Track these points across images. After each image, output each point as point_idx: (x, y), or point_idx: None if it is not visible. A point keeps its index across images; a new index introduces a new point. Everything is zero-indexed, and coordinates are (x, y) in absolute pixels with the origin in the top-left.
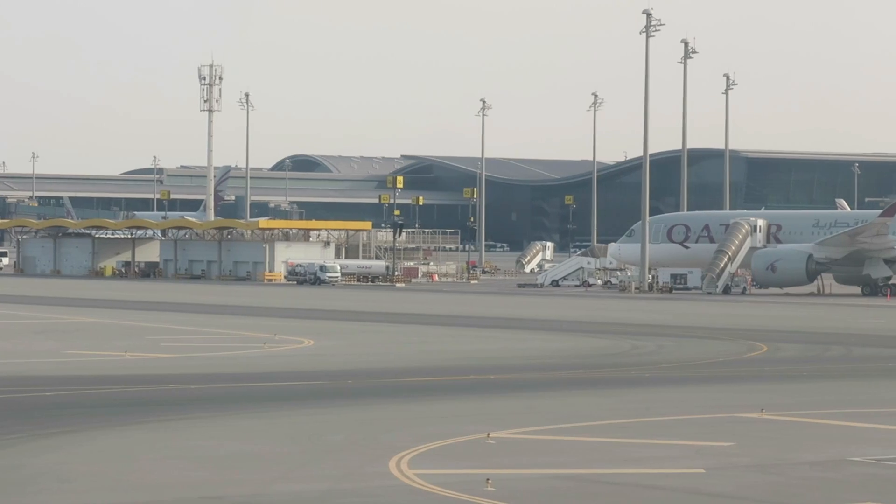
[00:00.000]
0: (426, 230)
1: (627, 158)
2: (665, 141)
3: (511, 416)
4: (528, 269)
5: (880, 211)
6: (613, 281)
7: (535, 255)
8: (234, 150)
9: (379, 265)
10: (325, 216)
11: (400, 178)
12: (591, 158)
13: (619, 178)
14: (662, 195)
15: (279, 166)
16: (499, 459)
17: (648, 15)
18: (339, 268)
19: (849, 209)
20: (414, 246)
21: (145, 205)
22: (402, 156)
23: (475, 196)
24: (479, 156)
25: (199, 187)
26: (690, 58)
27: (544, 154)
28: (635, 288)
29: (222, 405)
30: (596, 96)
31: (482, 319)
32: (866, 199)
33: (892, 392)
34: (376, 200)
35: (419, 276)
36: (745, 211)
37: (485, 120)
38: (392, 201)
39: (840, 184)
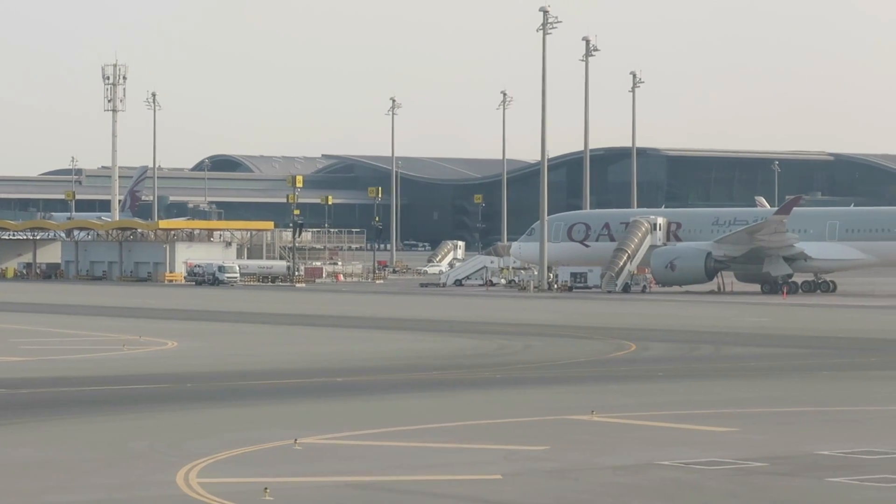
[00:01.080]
0: (332, 230)
1: (549, 157)
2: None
3: (332, 419)
4: (429, 270)
5: (777, 209)
6: (517, 280)
7: (446, 255)
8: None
9: (280, 265)
10: (245, 216)
11: (300, 178)
12: (513, 157)
13: (538, 177)
14: (582, 193)
15: (200, 166)
16: (294, 466)
17: (545, 12)
18: (237, 268)
19: (768, 207)
20: (320, 246)
21: (64, 206)
22: (322, 155)
23: (380, 195)
24: (398, 155)
25: (120, 188)
26: (592, 55)
27: (468, 153)
28: (534, 287)
29: (42, 410)
30: (505, 95)
31: (364, 320)
32: (786, 197)
33: (737, 392)
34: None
35: (323, 276)
36: (645, 209)
37: (395, 119)
38: (294, 201)
39: (761, 182)
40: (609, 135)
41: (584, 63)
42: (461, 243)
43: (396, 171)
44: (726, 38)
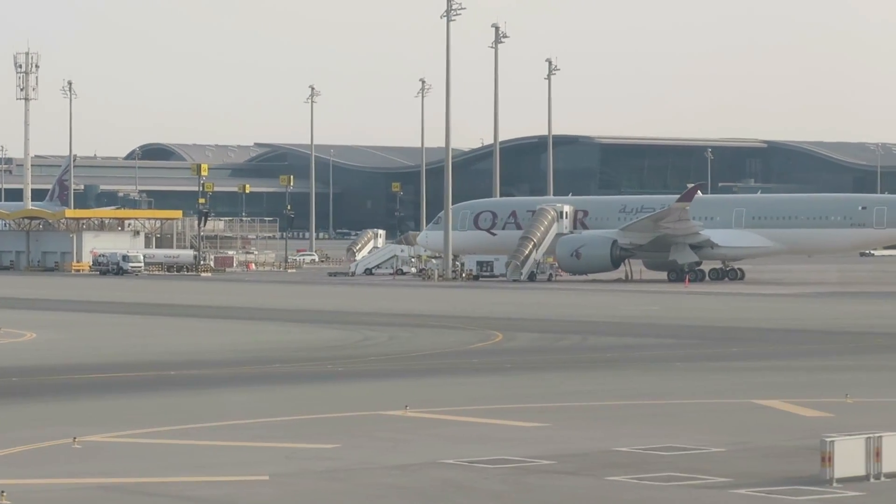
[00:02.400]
0: (245, 218)
1: (483, 144)
2: (521, 127)
3: (130, 416)
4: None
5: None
6: (426, 269)
7: (366, 243)
8: (88, 138)
9: (187, 255)
10: (177, 205)
11: (205, 166)
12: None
13: (474, 164)
14: (517, 181)
15: (133, 155)
16: (58, 467)
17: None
18: (142, 257)
19: (701, 194)
20: (232, 235)
21: None
22: (255, 143)
23: (292, 183)
24: (333, 144)
25: (52, 177)
26: (501, 42)
27: (404, 141)
28: (438, 276)
29: None
30: (423, 83)
31: (244, 310)
32: (720, 184)
33: (572, 385)
34: (229, 189)
35: (234, 265)
36: (551, 197)
37: (313, 107)
38: (199, 188)
39: (694, 169)
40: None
41: (506, 52)
42: (382, 232)
43: (317, 157)
44: (661, 26)
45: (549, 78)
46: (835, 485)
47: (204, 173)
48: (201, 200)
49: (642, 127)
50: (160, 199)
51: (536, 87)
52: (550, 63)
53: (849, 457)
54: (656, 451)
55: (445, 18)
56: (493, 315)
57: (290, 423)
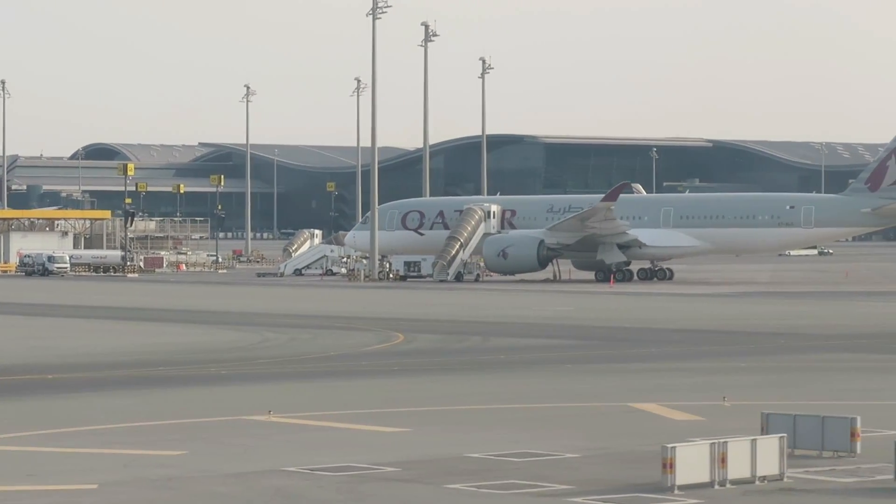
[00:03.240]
0: (176, 219)
1: (431, 144)
2: (468, 126)
3: None
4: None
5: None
6: (354, 269)
7: (302, 244)
8: (35, 138)
9: (115, 255)
10: (120, 205)
11: (131, 166)
12: (391, 145)
13: (419, 164)
14: (462, 181)
15: (76, 155)
16: None
17: None
18: (67, 258)
19: (645, 193)
20: (163, 235)
21: None
22: (200, 143)
23: (222, 183)
24: (278, 143)
25: None
26: (431, 41)
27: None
28: (365, 276)
29: None
30: (359, 81)
31: (153, 312)
32: (665, 184)
33: (452, 387)
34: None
35: (164, 266)
36: (479, 197)
37: (249, 106)
38: (144, 189)
39: (639, 168)
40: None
41: (452, 50)
42: (318, 232)
43: (261, 157)
44: (606, 26)
45: (482, 77)
46: (676, 492)
47: (130, 173)
48: (128, 200)
49: (589, 127)
50: (104, 200)
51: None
52: (484, 62)
53: (692, 463)
54: (509, 457)
55: (372, 17)
56: (402, 316)
57: (148, 428)
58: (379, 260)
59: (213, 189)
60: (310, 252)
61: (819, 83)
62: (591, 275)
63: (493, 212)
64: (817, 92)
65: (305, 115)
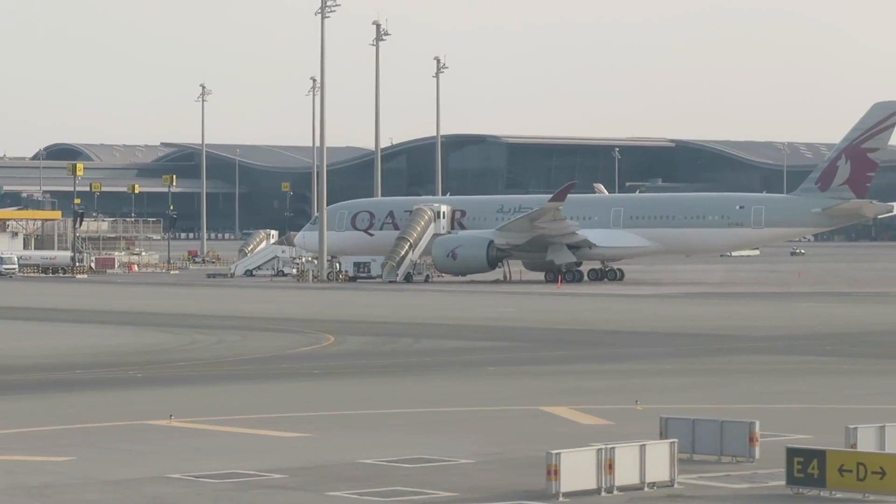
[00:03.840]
0: (128, 219)
1: (392, 143)
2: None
3: None
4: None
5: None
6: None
7: (258, 244)
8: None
9: (64, 256)
10: (81, 205)
11: (80, 166)
12: (354, 144)
13: (381, 164)
14: (423, 181)
15: (38, 156)
16: None
17: None
18: (15, 259)
19: (606, 193)
20: (114, 235)
21: None
22: (162, 143)
23: (174, 183)
24: (240, 143)
25: None
26: (383, 40)
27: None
28: (314, 277)
29: None
30: (314, 81)
31: (92, 313)
32: (627, 184)
33: (373, 390)
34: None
35: (115, 266)
36: (429, 197)
37: (207, 106)
38: (98, 189)
39: (601, 168)
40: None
41: (414, 50)
42: (274, 232)
43: (223, 157)
44: (569, 27)
45: (437, 76)
46: (561, 499)
47: (80, 173)
48: (77, 201)
49: (552, 127)
50: (66, 200)
51: (443, 86)
52: (439, 61)
53: (578, 470)
54: (402, 462)
55: (321, 15)
56: (339, 318)
57: (42, 433)
58: (329, 261)
59: (175, 189)
60: (261, 253)
61: (782, 83)
62: (541, 275)
63: (443, 212)
64: (780, 92)
65: (268, 114)
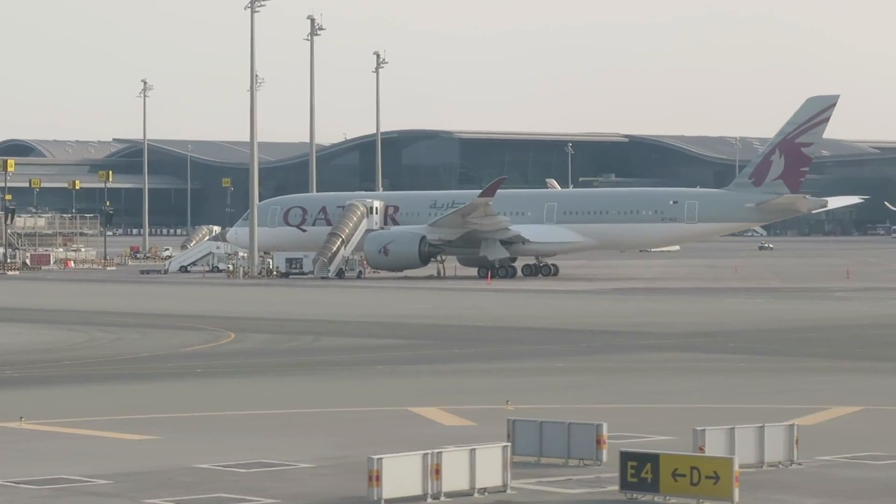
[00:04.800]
0: (65, 214)
1: (346, 139)
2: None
3: None
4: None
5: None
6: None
7: (201, 240)
8: None
9: None
10: (32, 202)
11: (11, 162)
12: (304, 140)
13: (335, 159)
14: (376, 176)
15: None
16: None
17: None
18: None
19: (559, 188)
20: (51, 231)
21: None
22: (114, 139)
23: (110, 179)
24: (192, 138)
25: None
26: (317, 35)
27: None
28: (244, 273)
29: None
30: (256, 76)
31: (11, 311)
32: (580, 179)
33: (244, 390)
34: (89, 185)
35: (51, 263)
36: (362, 192)
37: (146, 101)
38: (37, 185)
39: (555, 164)
40: (404, 117)
41: (366, 46)
42: (217, 228)
43: (175, 153)
44: (522, 22)
45: (377, 71)
46: None
47: (11, 169)
48: (8, 197)
49: (505, 122)
50: (18, 196)
51: (396, 81)
52: (378, 56)
53: (403, 476)
54: (239, 467)
55: (250, 10)
56: (249, 314)
57: None
58: (262, 257)
59: (128, 185)
60: (196, 249)
61: (734, 79)
62: (475, 271)
63: (376, 207)
64: (732, 86)
65: (222, 110)
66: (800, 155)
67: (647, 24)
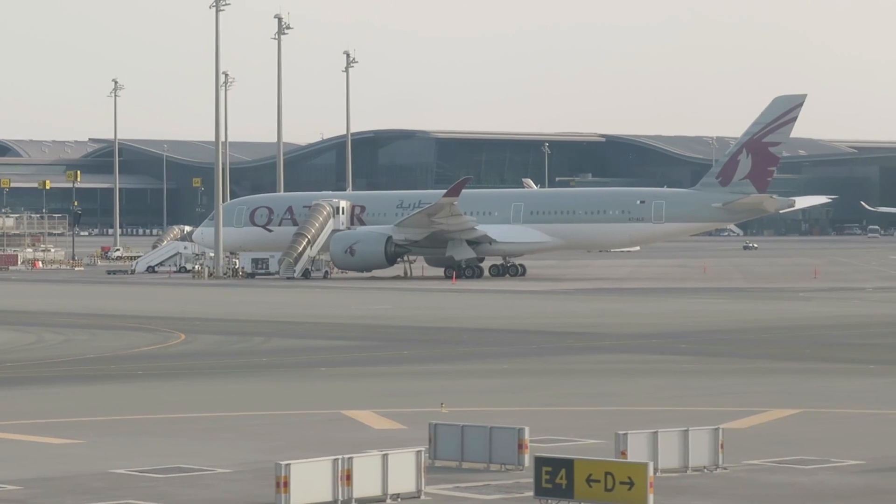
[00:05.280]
0: (34, 214)
1: (323, 139)
2: (358, 123)
3: None
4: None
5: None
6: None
7: (173, 240)
8: None
9: None
10: (9, 202)
11: None
12: (287, 140)
13: (310, 159)
14: (354, 176)
15: None
16: None
17: None
18: None
19: (535, 188)
20: (19, 232)
21: None
22: (90, 139)
23: (78, 179)
24: (168, 139)
25: None
26: (285, 34)
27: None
28: (209, 274)
29: None
30: (226, 76)
31: None
32: (557, 179)
33: (179, 394)
34: (64, 184)
35: (18, 263)
36: (328, 192)
37: (117, 101)
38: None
39: (532, 163)
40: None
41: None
42: (188, 228)
43: (151, 153)
44: (499, 21)
45: (347, 71)
46: None
47: None
48: None
49: (482, 122)
50: None
51: (372, 81)
52: (348, 56)
53: (312, 482)
54: (155, 472)
55: (215, 9)
56: (203, 315)
57: None
58: (228, 257)
59: (104, 185)
60: (163, 249)
61: (711, 78)
62: (440, 271)
63: (342, 208)
64: (709, 86)
65: (196, 109)
66: (767, 154)
67: (624, 25)
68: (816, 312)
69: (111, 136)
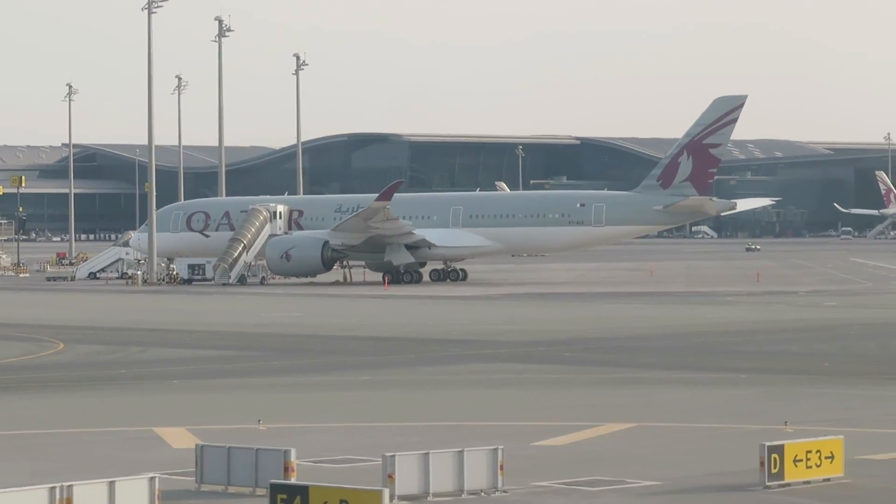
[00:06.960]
0: None
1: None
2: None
3: None
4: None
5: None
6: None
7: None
8: None
9: None
10: None
11: None
12: (262, 144)
13: (286, 163)
14: (326, 180)
15: None
16: None
17: None
18: None
19: (508, 191)
20: None
21: None
22: (63, 144)
23: (23, 183)
24: (144, 143)
25: None
26: (226, 36)
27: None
28: (143, 280)
29: None
30: (180, 79)
31: None
32: (532, 182)
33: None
34: (39, 190)
35: None
36: (266, 196)
37: (71, 104)
38: None
39: (506, 167)
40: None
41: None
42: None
43: (125, 158)
44: (473, 24)
45: (296, 73)
46: None
47: None
48: None
49: (455, 125)
50: None
51: (347, 85)
52: (298, 58)
53: None
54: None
55: (147, 11)
56: (93, 324)
57: None
58: (165, 263)
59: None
60: (105, 255)
61: (686, 79)
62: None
63: (280, 212)
64: (684, 87)
65: (171, 114)
66: (707, 156)
67: (598, 27)
68: (731, 317)
69: (85, 142)
